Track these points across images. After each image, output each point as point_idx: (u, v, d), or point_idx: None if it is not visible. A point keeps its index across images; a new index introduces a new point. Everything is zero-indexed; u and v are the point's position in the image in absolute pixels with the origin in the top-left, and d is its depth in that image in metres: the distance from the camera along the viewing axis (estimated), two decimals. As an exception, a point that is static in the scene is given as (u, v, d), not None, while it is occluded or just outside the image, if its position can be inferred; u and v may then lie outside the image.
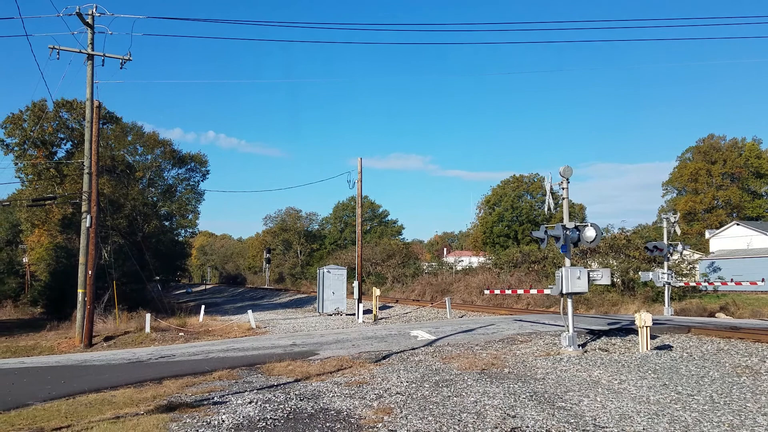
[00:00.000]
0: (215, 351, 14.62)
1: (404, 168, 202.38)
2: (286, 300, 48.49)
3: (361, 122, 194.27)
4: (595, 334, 14.24)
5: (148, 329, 21.13)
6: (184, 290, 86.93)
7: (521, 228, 56.04)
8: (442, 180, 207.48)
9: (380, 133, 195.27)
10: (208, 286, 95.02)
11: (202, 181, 47.15)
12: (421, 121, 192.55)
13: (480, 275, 35.85)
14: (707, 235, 48.90)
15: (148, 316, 21.63)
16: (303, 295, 49.28)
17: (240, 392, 9.18)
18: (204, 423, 7.49)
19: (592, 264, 29.99)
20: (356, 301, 26.20)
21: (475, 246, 62.52)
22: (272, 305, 43.52)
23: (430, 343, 14.19)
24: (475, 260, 48.19)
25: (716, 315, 23.27)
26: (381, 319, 25.87)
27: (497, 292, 18.09)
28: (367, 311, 28.19)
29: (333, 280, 29.32)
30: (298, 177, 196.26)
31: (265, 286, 74.00)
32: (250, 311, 24.42)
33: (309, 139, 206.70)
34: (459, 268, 43.83)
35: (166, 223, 46.61)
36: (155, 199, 43.97)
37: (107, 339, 20.20)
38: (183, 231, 50.14)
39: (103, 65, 26.01)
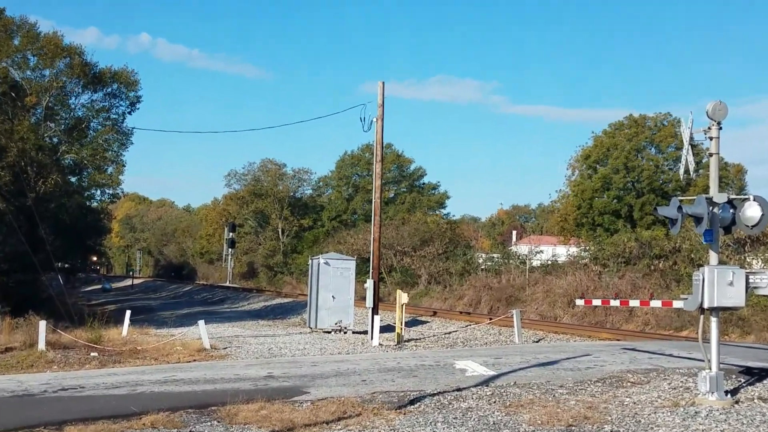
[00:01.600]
0: (147, 382, 14.88)
1: (452, 100, 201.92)
2: (258, 306, 49.07)
3: (383, 26, 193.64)
4: (755, 375, 14.14)
5: (42, 345, 21.58)
6: (100, 286, 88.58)
7: (639, 201, 55.53)
8: (511, 120, 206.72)
9: (414, 44, 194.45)
10: (137, 281, 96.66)
11: (129, 113, 47.17)
12: (479, 27, 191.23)
13: (570, 275, 35.76)
14: None
15: (42, 324, 22.08)
16: (286, 300, 49.80)
17: (184, 448, 9.34)
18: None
19: (754, 263, 29.62)
20: (370, 311, 26.35)
21: (564, 229, 62.22)
22: (237, 314, 44.08)
23: (487, 382, 14.22)
24: (563, 251, 47.87)
25: None
26: (409, 340, 26.00)
27: (596, 303, 18.04)
28: (386, 328, 28.36)
29: (334, 278, 29.49)
30: (282, 112, 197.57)
31: (227, 284, 75.04)
32: (201, 322, 24.78)
33: (302, 53, 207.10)
34: (536, 262, 43.63)
35: (73, 180, 47.17)
36: (56, 140, 44.48)
37: (-21, 358, 20.71)
38: (99, 192, 50.79)
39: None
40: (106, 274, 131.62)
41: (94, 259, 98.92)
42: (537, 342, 24.79)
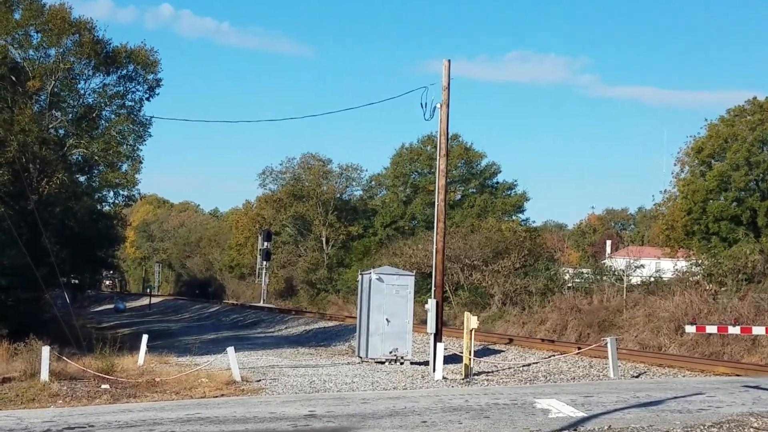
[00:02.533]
0: (167, 421, 15.05)
1: (532, 81, 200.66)
2: (298, 331, 49.36)
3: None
4: None
5: (45, 375, 21.96)
6: (112, 305, 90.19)
7: (764, 204, 54.35)
8: (605, 105, 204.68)
9: (485, 12, 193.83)
10: (155, 300, 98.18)
11: (147, 99, 47.85)
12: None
13: (678, 296, 35.29)
14: None
15: (45, 351, 22.46)
16: (331, 323, 50.01)
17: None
18: None
19: None
20: (432, 338, 26.27)
21: (670, 238, 61.24)
22: (273, 340, 44.38)
23: (575, 425, 14.13)
24: (669, 265, 47.08)
25: None
26: (479, 373, 25.87)
27: (711, 330, 17.72)
28: (452, 358, 28.26)
29: (388, 297, 29.48)
30: (328, 98, 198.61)
31: (261, 304, 75.64)
32: (231, 350, 24.98)
33: (351, 25, 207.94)
34: (636, 279, 43.09)
35: (82, 179, 48.06)
36: (62, 132, 45.36)
37: (-28, 390, 21.14)
38: (112, 194, 51.60)
39: None
40: (119, 291, 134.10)
41: (105, 273, 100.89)
42: (636, 377, 24.47)
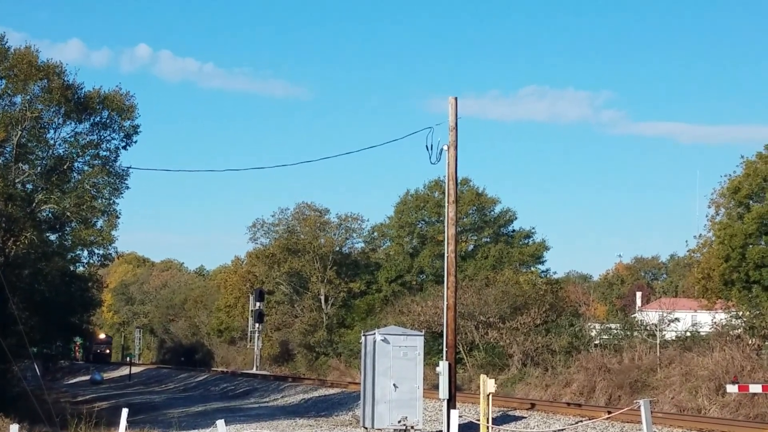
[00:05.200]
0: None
1: (550, 119, 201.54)
2: (296, 400, 49.12)
3: (453, 22, 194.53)
4: None
5: (14, 457, 21.83)
6: (88, 376, 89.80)
7: (810, 248, 54.29)
8: (631, 143, 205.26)
9: (496, 43, 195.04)
10: (136, 369, 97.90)
11: (124, 148, 47.89)
12: (582, 18, 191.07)
13: (717, 352, 35.20)
14: None
15: (14, 429, 22.36)
16: (332, 391, 49.77)
17: None
18: None
19: None
20: (444, 404, 26.13)
21: (707, 288, 61.01)
22: (268, 411, 44.15)
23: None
24: (706, 318, 46.87)
25: None
26: (498, 443, 25.66)
27: (756, 389, 17.65)
28: (467, 426, 28.08)
29: (395, 360, 29.34)
30: (323, 143, 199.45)
31: (254, 371, 75.35)
32: (221, 423, 24.78)
33: (349, 64, 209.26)
34: (670, 335, 42.90)
35: (53, 238, 48.04)
36: (30, 187, 45.46)
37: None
38: (86, 253, 51.48)
39: None
40: (94, 359, 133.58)
41: (80, 340, 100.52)
42: (675, 444, 24.30)
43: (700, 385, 33.25)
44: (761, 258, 55.41)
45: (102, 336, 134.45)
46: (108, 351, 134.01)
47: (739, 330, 37.87)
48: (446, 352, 27.00)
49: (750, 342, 35.26)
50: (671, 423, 27.62)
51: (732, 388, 22.09)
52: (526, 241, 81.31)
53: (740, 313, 40.42)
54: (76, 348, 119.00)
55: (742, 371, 32.01)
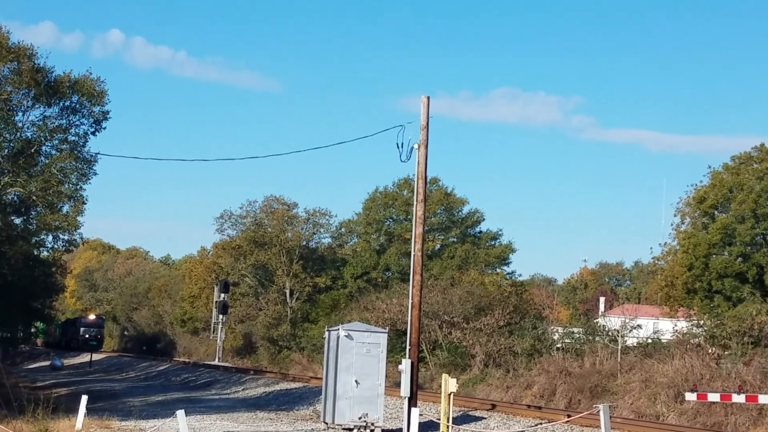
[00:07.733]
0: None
1: (520, 121, 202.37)
2: (257, 393, 48.97)
3: (426, 22, 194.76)
4: None
5: (-29, 440, 21.70)
6: (48, 362, 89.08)
7: (773, 260, 54.78)
8: (600, 148, 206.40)
9: (469, 44, 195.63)
10: (97, 356, 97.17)
11: (93, 134, 47.49)
12: (555, 21, 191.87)
13: (677, 359, 35.40)
14: None
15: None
16: (294, 385, 49.66)
17: None
18: None
19: None
20: (406, 402, 26.17)
21: (669, 296, 61.48)
22: (228, 403, 44.02)
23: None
24: (668, 326, 47.12)
25: None
26: (458, 443, 25.73)
27: (714, 398, 17.80)
28: (428, 425, 28.11)
29: (359, 356, 29.35)
30: (294, 137, 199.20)
31: (216, 362, 75.05)
32: (181, 413, 24.77)
33: (321, 58, 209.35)
34: (632, 341, 43.11)
35: (17, 221, 47.70)
36: (-4, 169, 45.12)
37: None
38: (51, 238, 51.09)
39: None
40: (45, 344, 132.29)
41: (42, 326, 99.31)
42: (632, 449, 24.46)
43: (659, 391, 33.44)
44: (724, 268, 55.89)
45: (92, 317, 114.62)
46: (99, 337, 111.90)
47: (700, 339, 38.11)
48: (409, 350, 27.04)
49: (710, 351, 35.48)
50: (629, 428, 27.80)
51: (691, 396, 22.26)
52: (492, 243, 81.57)
53: (701, 322, 40.69)
54: (51, 333, 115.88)
55: (701, 379, 32.22)
